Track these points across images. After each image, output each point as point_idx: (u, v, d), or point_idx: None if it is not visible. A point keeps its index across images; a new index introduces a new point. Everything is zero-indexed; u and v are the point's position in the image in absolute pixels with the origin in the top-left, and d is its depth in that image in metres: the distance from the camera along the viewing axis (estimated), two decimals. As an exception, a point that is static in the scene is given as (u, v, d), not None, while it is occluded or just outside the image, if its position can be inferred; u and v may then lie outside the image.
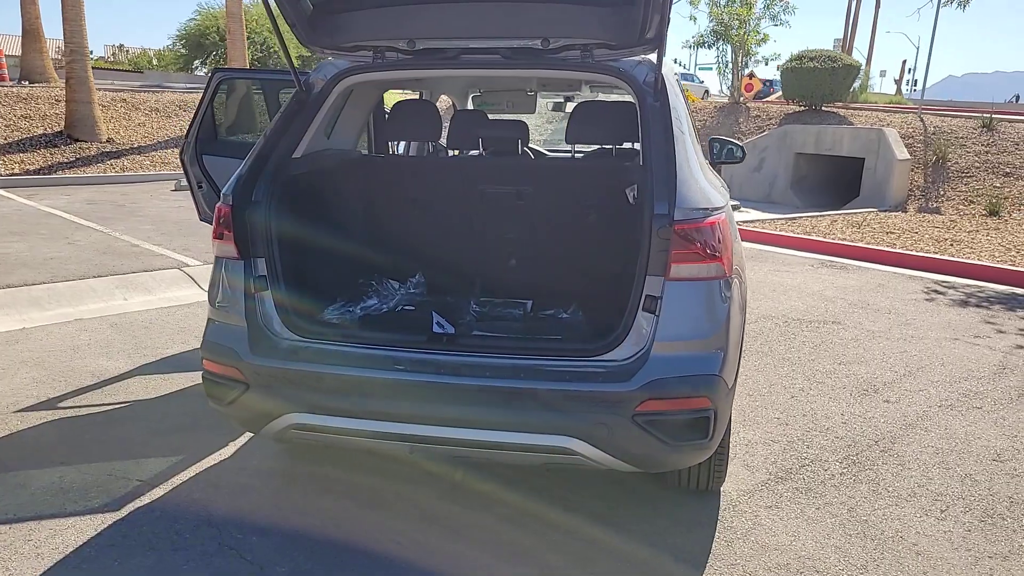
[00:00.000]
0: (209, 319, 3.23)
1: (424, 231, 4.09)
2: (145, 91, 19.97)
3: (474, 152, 4.55)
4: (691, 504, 3.51)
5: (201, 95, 4.86)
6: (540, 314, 3.65)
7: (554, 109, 6.76)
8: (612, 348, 2.85)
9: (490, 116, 4.60)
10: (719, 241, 2.84)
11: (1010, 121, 16.18)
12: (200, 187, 4.91)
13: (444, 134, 4.41)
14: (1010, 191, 13.50)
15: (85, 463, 3.78)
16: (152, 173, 15.17)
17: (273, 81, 5.80)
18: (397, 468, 3.73)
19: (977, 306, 7.30)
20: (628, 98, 3.50)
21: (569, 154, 4.55)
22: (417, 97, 5.50)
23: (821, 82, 17.31)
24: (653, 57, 3.25)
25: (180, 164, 4.98)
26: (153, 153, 16.28)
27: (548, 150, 6.80)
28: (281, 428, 3.01)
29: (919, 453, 4.09)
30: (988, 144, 15.11)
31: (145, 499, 3.47)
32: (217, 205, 3.18)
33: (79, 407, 4.46)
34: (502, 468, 3.69)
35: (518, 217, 3.98)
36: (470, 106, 6.06)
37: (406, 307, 3.65)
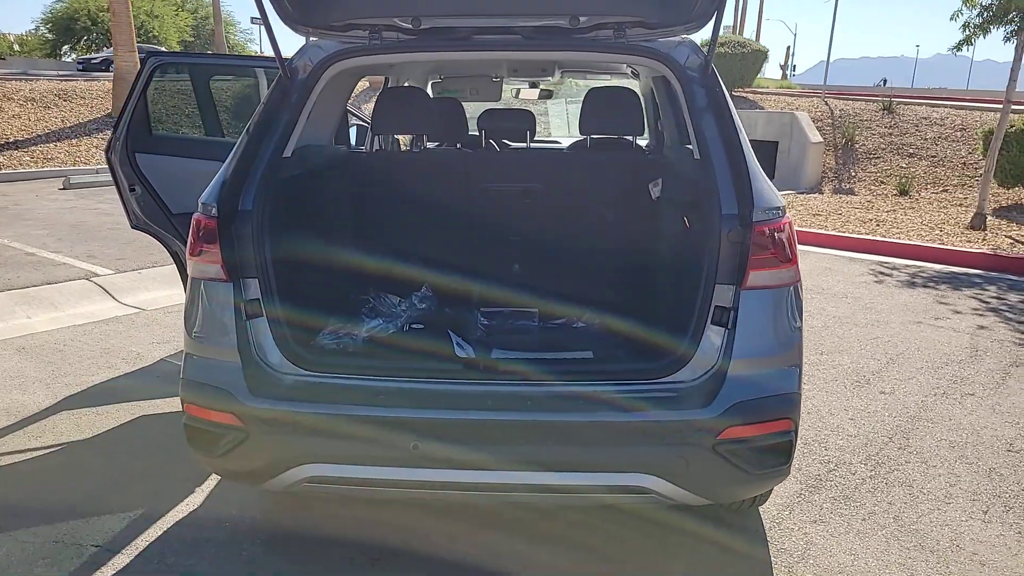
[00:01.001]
0: (187, 354, 2.68)
1: (429, 236, 3.62)
2: (15, 79, 18.15)
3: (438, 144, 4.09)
4: (733, 524, 3.22)
5: (132, 84, 4.18)
6: (572, 328, 3.26)
7: (515, 96, 6.36)
8: (679, 368, 2.52)
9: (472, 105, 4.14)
10: (793, 242, 2.56)
11: (907, 104, 16.95)
12: (133, 190, 4.24)
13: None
14: (915, 171, 14.07)
15: (23, 528, 3.13)
16: (34, 170, 13.76)
17: (202, 67, 5.13)
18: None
19: (924, 287, 7.42)
20: (626, 83, 3.16)
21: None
22: (384, 82, 4.97)
23: (732, 67, 17.61)
24: (695, 37, 2.92)
25: (107, 164, 4.29)
26: (33, 148, 14.79)
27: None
28: (292, 482, 2.52)
29: (936, 448, 3.97)
30: (890, 126, 15.74)
31: (107, 570, 2.88)
32: (195, 216, 2.63)
33: None
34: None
35: (533, 217, 3.57)
36: (430, 93, 5.57)
37: (414, 325, 3.19)
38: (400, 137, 5.46)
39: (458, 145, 4.50)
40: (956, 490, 3.56)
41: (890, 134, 15.46)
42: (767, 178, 2.68)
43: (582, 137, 4.81)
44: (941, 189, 13.30)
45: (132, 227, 4.47)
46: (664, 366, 2.53)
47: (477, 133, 4.07)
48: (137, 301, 6.41)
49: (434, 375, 2.59)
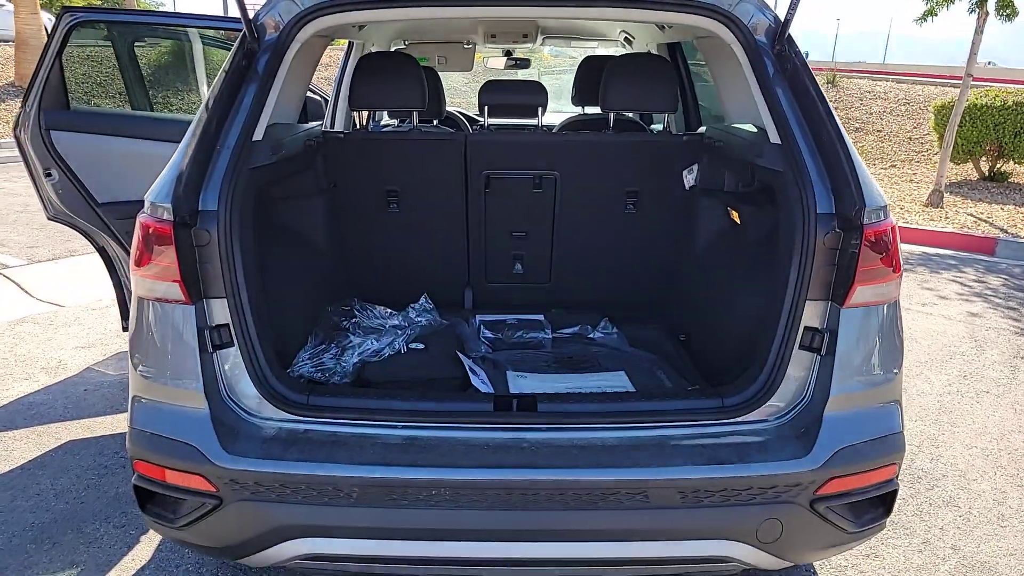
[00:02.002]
0: (135, 397, 2.08)
1: (425, 233, 3.04)
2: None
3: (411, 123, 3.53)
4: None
5: (45, 47, 3.43)
6: (610, 352, 2.76)
7: (486, 65, 5.75)
8: (758, 405, 2.06)
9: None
10: (899, 247, 2.13)
11: (849, 77, 16.97)
12: (49, 175, 3.52)
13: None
14: (863, 146, 14.03)
15: (-80, 608, 2.50)
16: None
17: (125, 25, 4.36)
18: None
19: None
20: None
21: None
22: (347, 46, 4.30)
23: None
24: None
25: (16, 144, 3.55)
26: (-76, 117, 13.34)
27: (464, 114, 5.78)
28: (281, 559, 1.98)
29: (969, 458, 3.66)
30: (835, 100, 15.68)
31: (35, 664, 2.29)
32: (141, 219, 2.02)
33: None
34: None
35: (553, 212, 3.04)
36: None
37: (412, 345, 2.63)
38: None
39: (435, 123, 3.93)
40: (1006, 510, 3.24)
41: (836, 108, 15.39)
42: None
43: (576, 113, 4.30)
44: (890, 164, 13.29)
45: (49, 218, 3.75)
46: (741, 403, 2.07)
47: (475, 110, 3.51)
48: (55, 296, 5.62)
49: (460, 419, 2.06)
